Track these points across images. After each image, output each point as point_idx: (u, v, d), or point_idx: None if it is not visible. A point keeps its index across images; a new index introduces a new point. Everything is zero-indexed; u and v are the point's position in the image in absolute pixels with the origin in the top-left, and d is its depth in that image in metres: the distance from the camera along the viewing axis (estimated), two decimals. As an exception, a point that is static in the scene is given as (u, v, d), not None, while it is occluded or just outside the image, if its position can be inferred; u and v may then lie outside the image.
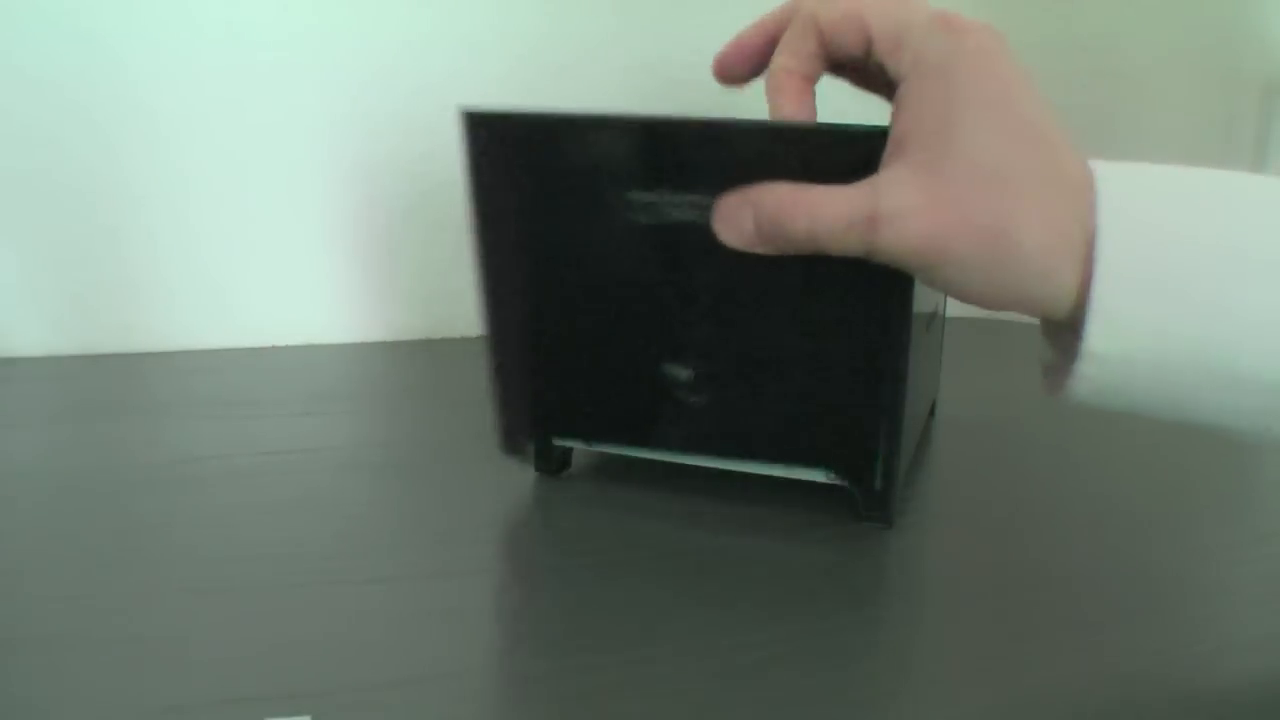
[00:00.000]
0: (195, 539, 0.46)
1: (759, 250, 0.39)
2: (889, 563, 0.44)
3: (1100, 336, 0.33)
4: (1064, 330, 0.36)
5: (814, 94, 0.41)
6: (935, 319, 0.59)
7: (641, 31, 0.83)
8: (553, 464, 0.53)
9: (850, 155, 0.38)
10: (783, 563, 0.44)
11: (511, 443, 0.52)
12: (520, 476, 0.53)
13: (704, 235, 0.41)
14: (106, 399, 0.67)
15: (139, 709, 0.33)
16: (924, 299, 0.49)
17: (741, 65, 0.43)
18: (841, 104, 0.89)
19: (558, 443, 0.52)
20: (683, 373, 0.47)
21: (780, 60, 0.41)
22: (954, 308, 0.70)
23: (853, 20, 0.38)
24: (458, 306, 0.84)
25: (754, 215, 0.38)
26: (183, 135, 0.74)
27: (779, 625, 0.39)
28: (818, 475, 0.48)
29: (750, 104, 0.82)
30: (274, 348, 0.79)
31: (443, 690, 0.35)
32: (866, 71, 0.41)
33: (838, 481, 0.48)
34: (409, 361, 0.79)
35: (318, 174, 0.78)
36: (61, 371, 0.72)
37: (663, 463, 0.51)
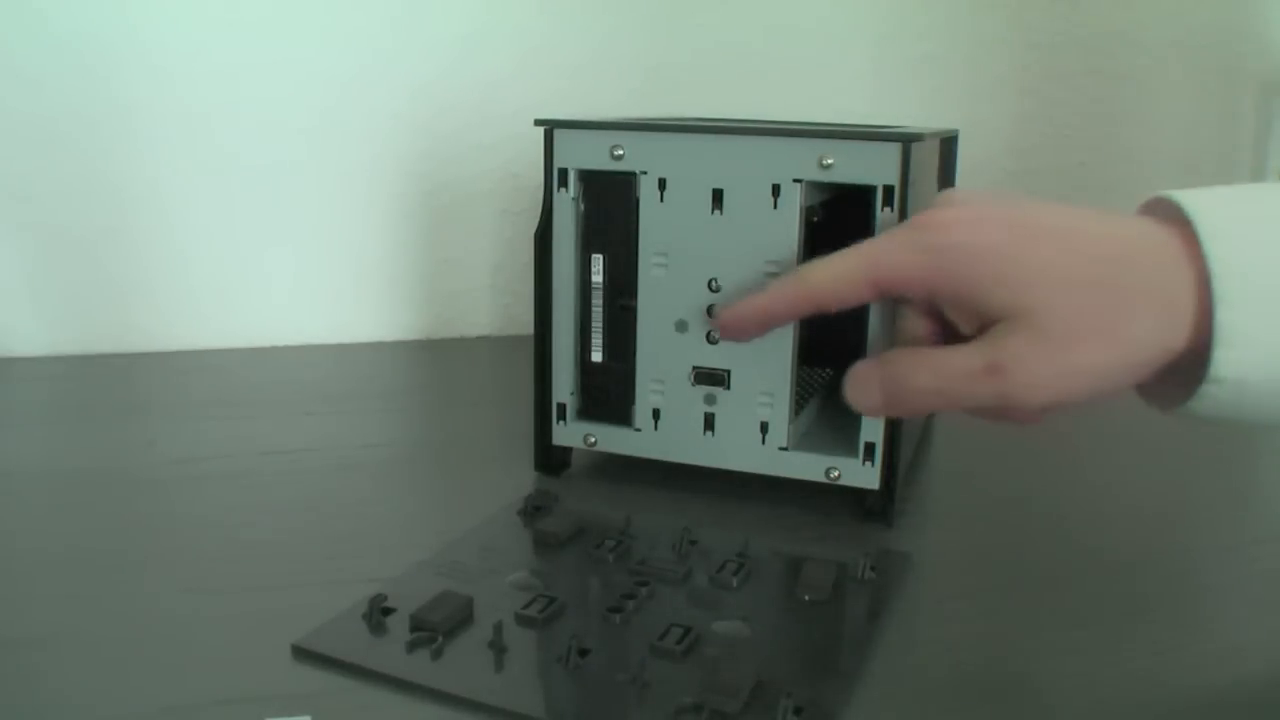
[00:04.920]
0: (195, 539, 0.46)
1: (892, 415, 0.42)
2: (889, 562, 0.44)
3: (1227, 362, 0.33)
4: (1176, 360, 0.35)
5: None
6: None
7: (642, 32, 0.83)
8: (553, 464, 0.53)
9: None
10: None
11: None
12: (520, 476, 0.53)
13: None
14: (106, 399, 0.67)
15: (138, 709, 0.33)
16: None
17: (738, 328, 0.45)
18: (842, 104, 0.89)
19: (558, 443, 0.53)
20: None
21: (757, 303, 0.43)
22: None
23: (854, 286, 0.39)
24: (458, 306, 0.84)
25: (880, 381, 0.39)
26: (183, 136, 0.74)
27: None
28: (818, 475, 0.48)
29: (749, 104, 0.82)
30: (274, 348, 0.79)
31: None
32: None
33: (838, 481, 0.48)
34: (409, 361, 0.79)
35: (318, 175, 0.78)
36: (61, 371, 0.72)
37: (663, 463, 0.51)
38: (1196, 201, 0.35)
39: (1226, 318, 0.33)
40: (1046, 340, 0.34)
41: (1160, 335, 0.34)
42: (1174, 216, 0.35)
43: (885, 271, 0.38)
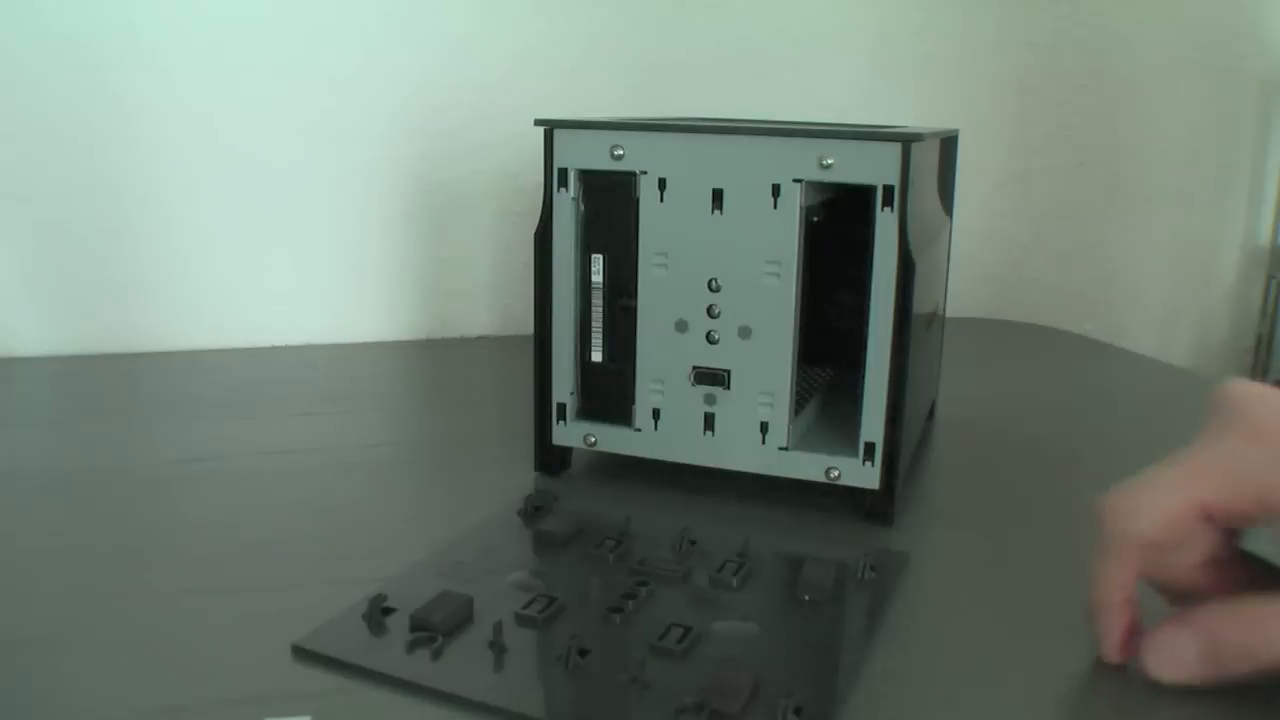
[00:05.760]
0: (195, 539, 0.46)
1: (1196, 682, 0.34)
2: (889, 562, 0.44)
3: None
4: None
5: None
6: (935, 319, 0.59)
7: (639, 31, 0.83)
8: (553, 464, 0.53)
9: None
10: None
11: None
12: (520, 476, 0.53)
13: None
14: (106, 399, 0.67)
15: (139, 709, 0.33)
16: (924, 299, 0.49)
17: (1127, 637, 0.37)
18: (841, 103, 0.89)
19: (558, 443, 0.53)
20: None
21: (1105, 596, 0.37)
22: (954, 307, 0.71)
23: (1186, 520, 0.35)
24: (458, 306, 0.84)
25: (1198, 645, 0.34)
26: (183, 136, 0.74)
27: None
28: (818, 475, 0.49)
29: (747, 104, 0.82)
30: (274, 348, 0.79)
31: (443, 690, 0.35)
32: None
33: (838, 481, 0.48)
34: (409, 361, 0.79)
35: (318, 174, 0.78)
36: (61, 371, 0.72)
37: (663, 463, 0.51)
38: None
39: None
40: None
41: None
42: None
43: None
